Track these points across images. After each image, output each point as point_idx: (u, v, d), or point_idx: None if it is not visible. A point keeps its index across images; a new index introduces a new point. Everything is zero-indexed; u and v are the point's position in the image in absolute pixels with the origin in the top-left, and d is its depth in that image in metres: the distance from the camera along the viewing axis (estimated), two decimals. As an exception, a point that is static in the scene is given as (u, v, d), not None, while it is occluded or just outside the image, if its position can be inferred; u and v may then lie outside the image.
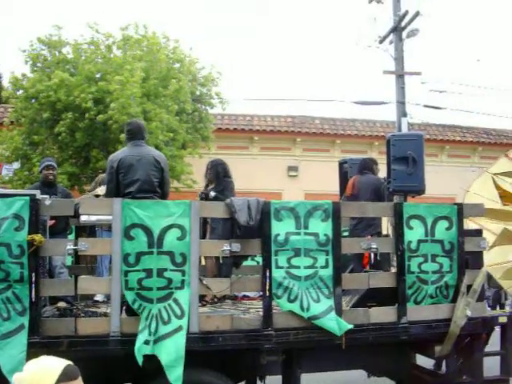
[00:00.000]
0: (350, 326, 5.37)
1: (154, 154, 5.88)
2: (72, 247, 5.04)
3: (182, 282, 5.10)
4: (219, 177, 7.15)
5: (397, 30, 18.30)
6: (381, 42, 18.83)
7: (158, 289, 5.06)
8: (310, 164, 21.05)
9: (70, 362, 2.42)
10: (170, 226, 5.12)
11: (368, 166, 7.41)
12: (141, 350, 4.97)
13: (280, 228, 5.35)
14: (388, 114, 25.11)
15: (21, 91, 18.75)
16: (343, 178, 7.78)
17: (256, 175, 20.45)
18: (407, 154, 6.19)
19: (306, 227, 5.40)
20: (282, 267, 5.32)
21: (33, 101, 18.25)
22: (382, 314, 5.62)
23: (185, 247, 5.12)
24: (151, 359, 4.96)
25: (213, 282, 5.39)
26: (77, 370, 2.42)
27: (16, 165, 18.75)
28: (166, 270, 5.08)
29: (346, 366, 6.07)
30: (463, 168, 20.35)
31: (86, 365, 5.06)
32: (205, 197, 6.95)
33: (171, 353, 4.98)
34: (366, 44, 19.50)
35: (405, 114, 18.10)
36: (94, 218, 5.55)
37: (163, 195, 5.78)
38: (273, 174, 20.89)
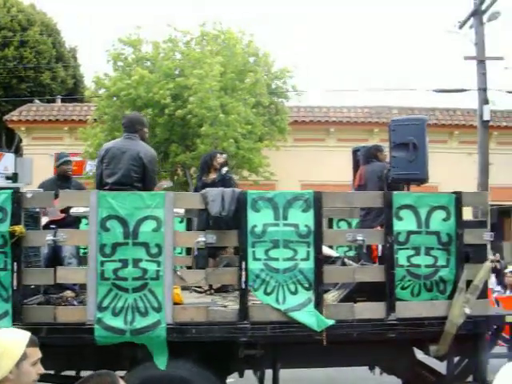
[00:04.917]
0: (331, 322, 5.16)
1: (141, 149, 5.87)
2: (51, 238, 5.19)
3: (157, 272, 5.12)
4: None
5: (477, 13, 17.32)
6: (461, 27, 17.93)
7: (134, 279, 5.11)
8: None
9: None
10: (145, 218, 5.15)
11: (372, 153, 7.04)
12: (115, 338, 5.10)
13: (257, 219, 5.22)
14: (469, 101, 23.89)
15: (103, 90, 19.59)
16: (356, 166, 7.46)
17: (333, 167, 20.15)
18: (408, 139, 5.82)
19: (286, 218, 5.24)
20: (259, 259, 5.19)
21: (114, 98, 19.03)
22: (369, 310, 5.33)
23: (160, 238, 5.13)
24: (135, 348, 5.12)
25: (187, 274, 5.36)
26: (37, 339, 2.82)
27: (99, 161, 19.56)
28: (141, 260, 5.13)
29: (334, 362, 5.83)
30: (551, 157, 18.96)
31: (72, 351, 5.35)
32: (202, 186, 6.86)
33: (153, 345, 5.11)
34: (444, 29, 18.71)
35: (487, 102, 17.19)
36: (82, 210, 5.67)
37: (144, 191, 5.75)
38: (351, 166, 20.44)
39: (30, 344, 2.74)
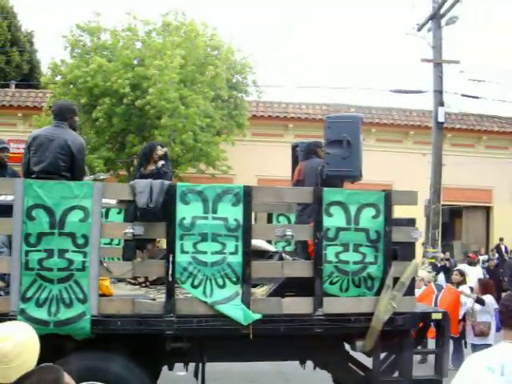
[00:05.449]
0: (258, 317, 5.16)
1: (69, 137, 5.71)
2: (-27, 226, 5.07)
3: (83, 263, 5.05)
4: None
5: (436, 17, 17.60)
6: (419, 29, 18.19)
7: (59, 269, 5.03)
8: (345, 152, 20.53)
9: None
10: (72, 208, 5.07)
11: (312, 150, 7.04)
12: (38, 330, 5.00)
13: (186, 212, 5.19)
14: (425, 103, 24.36)
15: (59, 77, 19.21)
16: (295, 162, 7.50)
17: (290, 163, 20.17)
18: (342, 137, 5.86)
19: (215, 211, 5.22)
20: (187, 252, 5.17)
21: (71, 86, 18.68)
22: (296, 305, 5.35)
23: (86, 229, 5.06)
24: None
25: (114, 265, 5.31)
26: None
27: (53, 149, 19.18)
28: (67, 251, 5.05)
29: (263, 356, 5.85)
30: (501, 159, 19.38)
31: None
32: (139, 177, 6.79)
33: (79, 335, 5.07)
34: (403, 31, 18.93)
35: (442, 104, 17.48)
36: (10, 198, 5.54)
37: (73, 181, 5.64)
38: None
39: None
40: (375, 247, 5.45)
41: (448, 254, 18.83)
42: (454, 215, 22.37)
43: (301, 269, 5.48)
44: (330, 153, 5.95)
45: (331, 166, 5.96)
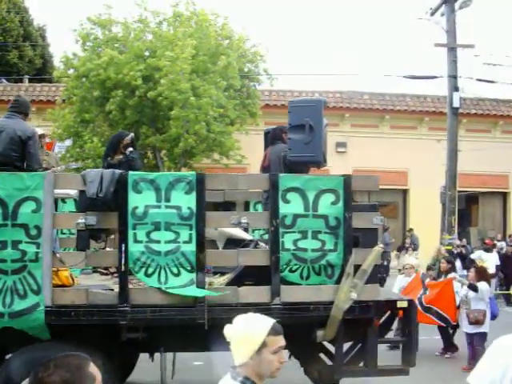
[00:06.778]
0: (214, 294, 5.07)
1: (18, 127, 5.62)
2: None
3: (36, 254, 5.04)
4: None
5: (449, 0, 17.14)
6: (432, 14, 17.78)
7: (13, 261, 5.03)
8: (359, 140, 20.30)
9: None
10: (24, 199, 5.05)
11: (277, 135, 6.86)
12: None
13: (139, 200, 5.13)
14: (439, 88, 23.83)
15: (72, 70, 19.34)
16: (266, 148, 7.34)
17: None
18: (304, 121, 5.70)
19: (168, 200, 5.14)
20: (140, 241, 5.11)
21: (83, 79, 18.79)
22: (253, 294, 5.25)
23: (39, 220, 5.04)
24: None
25: (67, 256, 5.28)
26: (281, 327, 2.78)
27: (68, 142, 19.41)
28: (20, 242, 5.04)
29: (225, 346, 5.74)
30: (518, 145, 18.86)
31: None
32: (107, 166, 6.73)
33: (33, 326, 5.05)
34: (416, 17, 18.51)
35: (457, 89, 17.10)
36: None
37: (27, 171, 5.59)
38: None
39: (271, 333, 2.72)
40: (335, 234, 5.30)
41: (464, 240, 18.46)
42: (470, 201, 21.89)
43: (257, 257, 5.37)
44: (292, 138, 5.80)
45: (294, 151, 5.82)
